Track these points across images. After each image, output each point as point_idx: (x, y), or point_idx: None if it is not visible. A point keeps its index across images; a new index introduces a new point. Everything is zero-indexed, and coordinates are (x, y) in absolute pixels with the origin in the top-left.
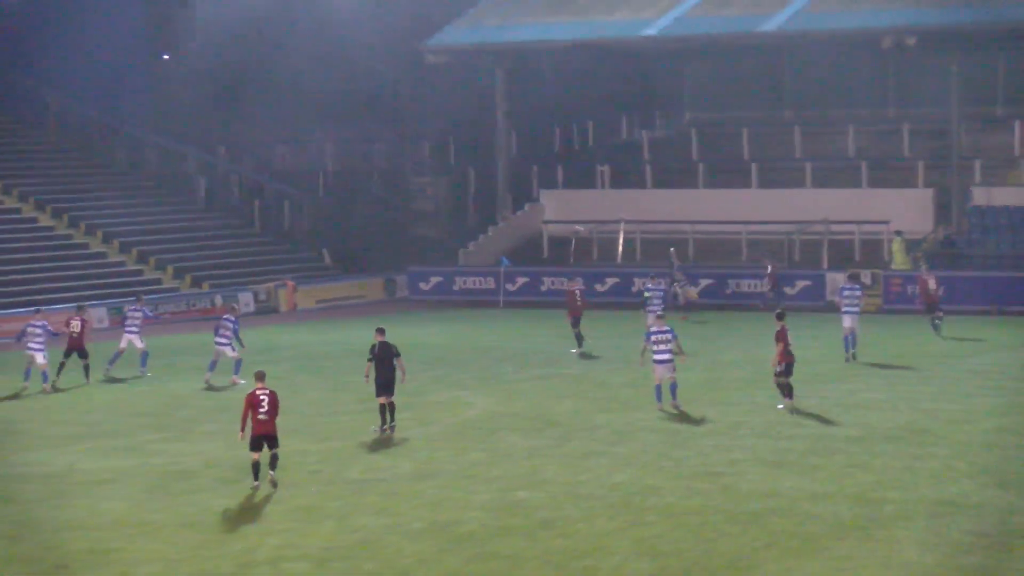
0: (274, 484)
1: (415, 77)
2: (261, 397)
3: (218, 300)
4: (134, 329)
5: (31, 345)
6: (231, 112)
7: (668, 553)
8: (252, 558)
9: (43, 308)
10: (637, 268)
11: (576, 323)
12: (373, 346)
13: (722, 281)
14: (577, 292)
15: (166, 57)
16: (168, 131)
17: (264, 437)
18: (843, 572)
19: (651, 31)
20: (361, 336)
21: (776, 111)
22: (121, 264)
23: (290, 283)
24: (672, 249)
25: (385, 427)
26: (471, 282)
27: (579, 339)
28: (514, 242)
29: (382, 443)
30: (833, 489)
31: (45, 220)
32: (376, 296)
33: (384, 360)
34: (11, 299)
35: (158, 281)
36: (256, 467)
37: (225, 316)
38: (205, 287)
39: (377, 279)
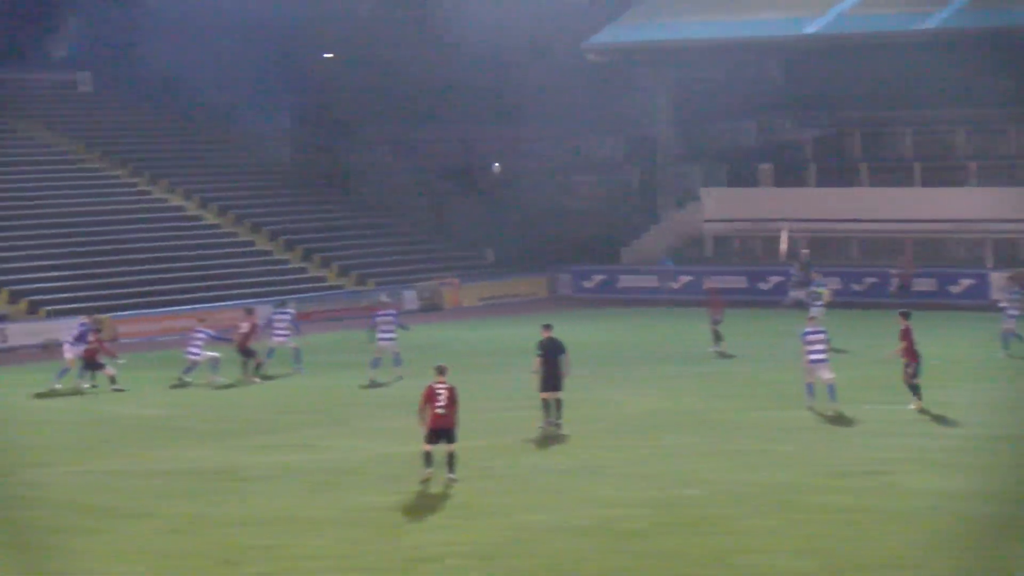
0: (451, 482)
1: (578, 76)
2: (439, 391)
3: (382, 297)
4: (282, 334)
5: (191, 350)
6: (396, 110)
7: (828, 551)
8: (417, 554)
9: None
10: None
11: (716, 322)
12: (541, 341)
13: (885, 279)
14: (716, 290)
15: (328, 55)
16: (332, 130)
17: (441, 431)
18: (1005, 572)
19: (813, 29)
20: (523, 333)
21: (938, 109)
22: (285, 262)
23: (453, 281)
24: (805, 250)
25: (552, 422)
26: (633, 280)
27: (717, 337)
28: (676, 240)
29: (546, 440)
30: (995, 488)
31: (210, 218)
32: (539, 294)
33: (551, 356)
34: (178, 296)
35: (322, 279)
36: (428, 457)
37: (383, 312)
38: (369, 284)
39: (540, 277)
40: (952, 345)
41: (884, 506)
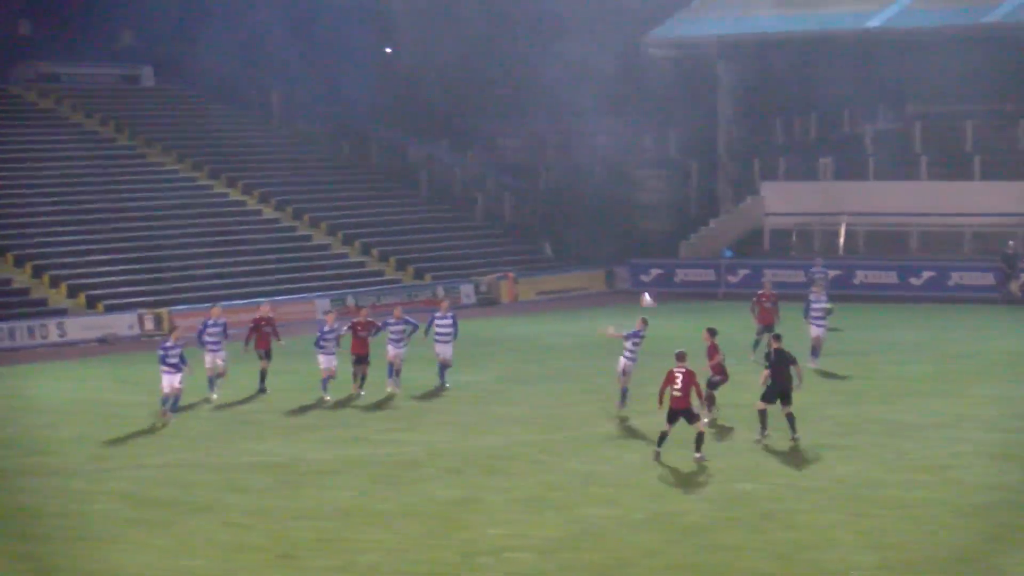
0: (700, 460)
1: (637, 69)
2: (677, 375)
3: (439, 292)
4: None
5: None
6: (453, 105)
7: (892, 546)
8: (476, 548)
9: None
10: (858, 261)
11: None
12: (768, 352)
13: (944, 274)
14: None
15: (389, 50)
16: (391, 124)
17: (680, 411)
18: None
19: (875, 23)
20: (580, 328)
21: (999, 103)
22: (344, 256)
23: (510, 275)
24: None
25: (771, 434)
26: (692, 274)
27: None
28: (736, 234)
29: (605, 435)
30: None
31: (270, 213)
32: (597, 288)
33: (780, 367)
34: (239, 291)
35: (380, 273)
36: (663, 437)
37: (442, 314)
38: (427, 279)
39: (598, 271)
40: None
41: (946, 500)
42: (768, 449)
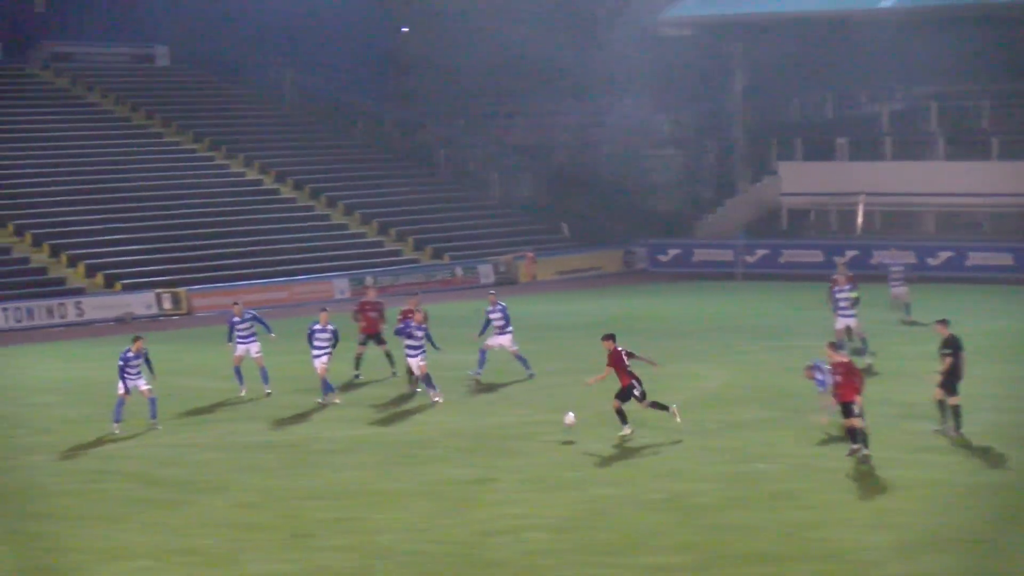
0: (858, 458)
1: (651, 49)
2: (838, 367)
3: (458, 272)
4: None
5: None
6: (473, 85)
7: (904, 525)
8: (492, 527)
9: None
10: (876, 241)
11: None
12: (946, 339)
13: (961, 254)
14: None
15: (405, 30)
16: (408, 104)
17: (846, 404)
18: None
19: (889, 2)
20: (599, 308)
21: (1017, 82)
22: (362, 235)
23: (529, 255)
24: None
25: (951, 430)
26: (709, 254)
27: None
28: (752, 214)
29: (611, 416)
30: None
31: (287, 192)
32: (614, 268)
33: (958, 355)
34: (256, 270)
35: (398, 252)
36: (852, 433)
37: (492, 308)
38: (445, 259)
39: (615, 251)
40: None
41: (957, 480)
42: (780, 428)
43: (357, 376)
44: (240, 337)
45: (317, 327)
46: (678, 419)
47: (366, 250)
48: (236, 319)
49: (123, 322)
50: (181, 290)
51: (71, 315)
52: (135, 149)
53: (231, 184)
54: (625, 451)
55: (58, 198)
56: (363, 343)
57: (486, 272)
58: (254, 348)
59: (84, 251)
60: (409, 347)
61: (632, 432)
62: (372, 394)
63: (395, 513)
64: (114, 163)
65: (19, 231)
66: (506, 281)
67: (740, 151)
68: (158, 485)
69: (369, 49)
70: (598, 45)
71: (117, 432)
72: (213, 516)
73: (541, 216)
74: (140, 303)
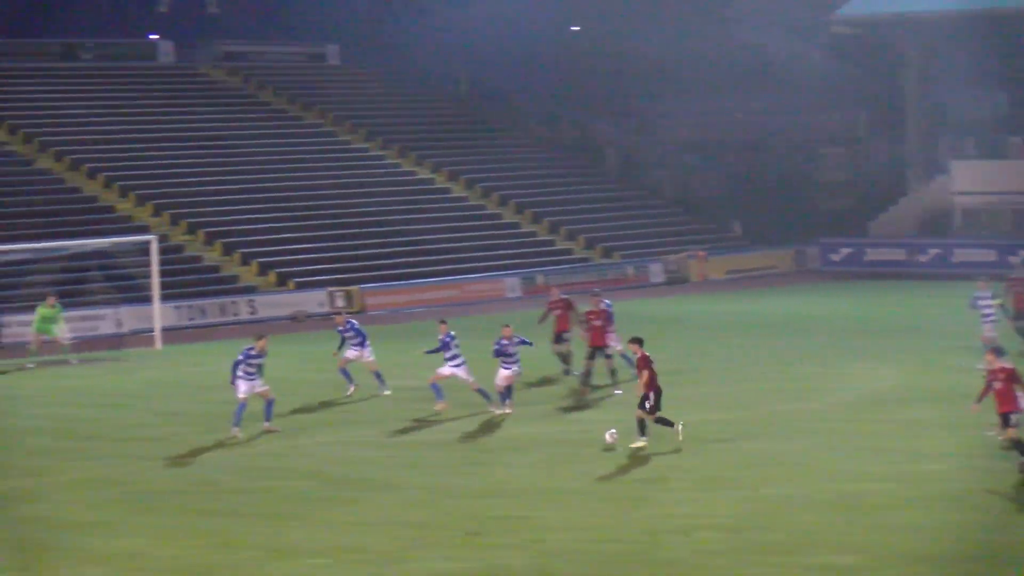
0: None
1: (822, 47)
2: (998, 374)
3: (629, 270)
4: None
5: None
6: (643, 83)
7: None
8: (662, 526)
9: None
10: None
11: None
12: None
13: None
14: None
15: (575, 28)
16: (578, 103)
17: (1004, 415)
18: None
19: None
20: (770, 308)
21: None
22: (533, 234)
23: (700, 253)
24: None
25: None
26: (882, 253)
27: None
28: (924, 213)
29: (788, 413)
30: None
31: (459, 191)
32: (786, 267)
33: None
34: (425, 269)
35: (569, 251)
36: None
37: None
38: (615, 257)
39: (787, 250)
40: None
41: None
42: (951, 428)
43: (568, 372)
44: (354, 344)
45: (442, 335)
46: (680, 438)
47: (537, 249)
48: (341, 328)
49: (295, 320)
50: (353, 288)
51: (243, 313)
52: (308, 148)
53: (402, 183)
54: (796, 451)
55: (230, 197)
56: (556, 341)
57: (656, 271)
58: (366, 353)
59: (257, 249)
60: (505, 363)
61: (645, 445)
62: (545, 392)
63: (566, 512)
64: (286, 162)
65: (192, 230)
66: (677, 280)
67: (912, 149)
68: (329, 483)
69: (541, 48)
70: (771, 42)
71: (239, 436)
72: (387, 514)
73: (712, 215)
74: (312, 301)
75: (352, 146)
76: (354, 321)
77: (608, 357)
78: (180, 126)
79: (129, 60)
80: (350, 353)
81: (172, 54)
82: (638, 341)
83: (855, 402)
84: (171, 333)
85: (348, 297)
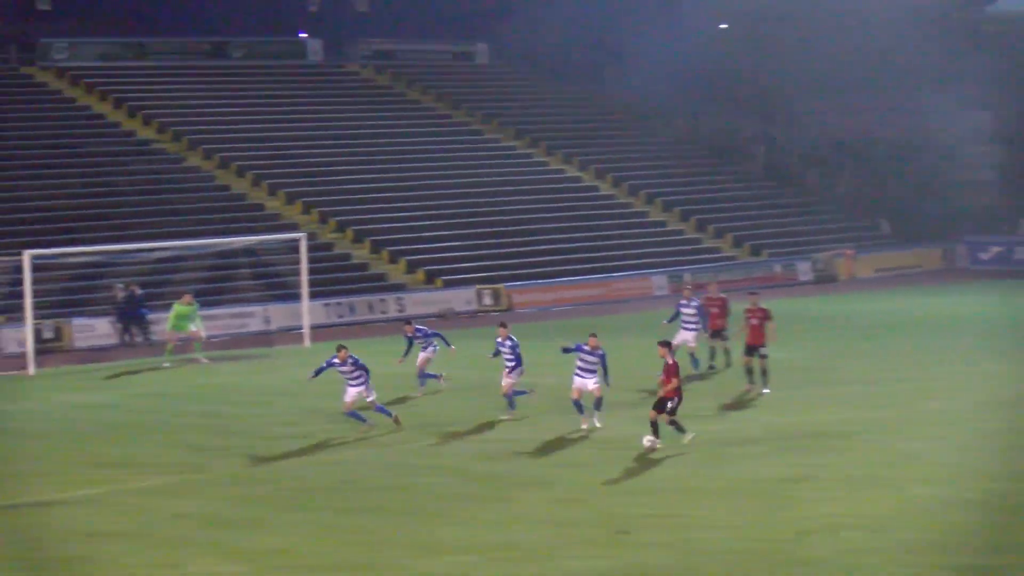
0: None
1: (972, 45)
2: None
3: (777, 269)
4: (692, 327)
5: (687, 326)
6: (789, 81)
7: None
8: (809, 525)
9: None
10: None
11: None
12: None
13: None
14: None
15: (723, 26)
16: (724, 99)
17: None
18: None
19: None
20: (916, 306)
21: None
22: (680, 232)
23: (848, 252)
24: None
25: None
26: None
27: None
28: None
29: (931, 413)
30: None
31: (606, 189)
32: (933, 266)
33: None
34: (573, 267)
35: (717, 249)
36: None
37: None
38: (763, 255)
39: (935, 248)
40: None
41: None
42: None
43: (712, 367)
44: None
45: (499, 341)
46: (685, 441)
47: (684, 247)
48: (411, 335)
49: (444, 318)
50: (500, 286)
51: (392, 311)
52: (456, 146)
53: (549, 181)
54: (943, 450)
55: (378, 195)
56: (712, 337)
57: (805, 269)
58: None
59: (405, 247)
60: (581, 369)
61: (694, 437)
62: (690, 391)
63: (714, 510)
64: (434, 160)
65: (340, 227)
66: (825, 279)
67: None
68: (476, 480)
69: (688, 44)
70: (920, 40)
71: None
72: (532, 511)
73: (860, 213)
74: (460, 299)
75: (499, 144)
76: (425, 327)
77: (763, 357)
78: (329, 124)
79: (278, 58)
80: (422, 355)
81: (321, 52)
82: (667, 345)
83: (1003, 401)
84: (319, 331)
85: (495, 295)
